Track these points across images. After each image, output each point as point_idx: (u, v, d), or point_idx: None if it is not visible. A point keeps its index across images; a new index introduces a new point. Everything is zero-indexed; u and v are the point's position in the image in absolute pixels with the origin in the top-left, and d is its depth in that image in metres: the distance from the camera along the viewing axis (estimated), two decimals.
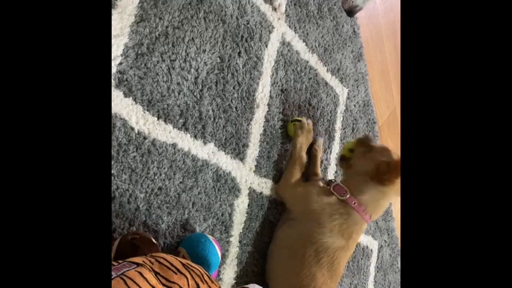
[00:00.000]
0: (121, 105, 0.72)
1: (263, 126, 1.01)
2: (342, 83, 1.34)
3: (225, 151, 0.90)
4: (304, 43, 1.18)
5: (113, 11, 0.71)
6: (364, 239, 1.42)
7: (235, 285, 0.91)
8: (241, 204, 0.94)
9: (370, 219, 0.98)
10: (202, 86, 0.86)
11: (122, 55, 0.72)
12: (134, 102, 0.74)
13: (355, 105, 1.41)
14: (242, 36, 0.96)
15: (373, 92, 1.57)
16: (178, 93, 0.81)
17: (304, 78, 1.17)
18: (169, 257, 0.55)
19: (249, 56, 0.97)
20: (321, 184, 1.03)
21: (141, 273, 0.48)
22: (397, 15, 1.81)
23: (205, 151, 0.86)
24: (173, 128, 0.80)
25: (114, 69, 0.71)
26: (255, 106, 0.99)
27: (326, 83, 1.26)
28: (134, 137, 0.73)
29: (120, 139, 0.71)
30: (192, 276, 0.54)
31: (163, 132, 0.78)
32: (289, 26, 1.12)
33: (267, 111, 1.02)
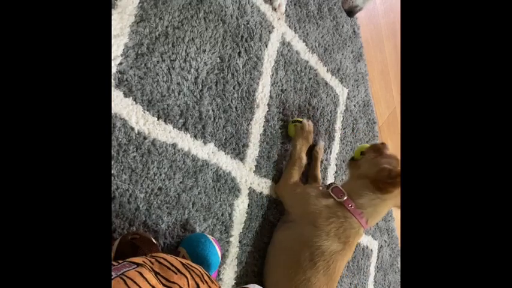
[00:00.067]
0: (121, 105, 0.72)
1: (263, 126, 1.01)
2: (342, 83, 1.34)
3: (225, 151, 0.90)
4: (304, 43, 1.18)
5: (113, 11, 0.71)
6: (364, 239, 1.42)
7: (235, 285, 0.91)
8: (241, 204, 0.94)
9: (366, 224, 0.96)
10: (202, 86, 0.86)
11: (122, 55, 0.72)
12: (134, 102, 0.74)
13: (355, 105, 1.42)
14: (242, 36, 0.96)
15: (373, 92, 1.57)
16: (178, 93, 0.81)
17: (304, 78, 1.17)
18: (170, 257, 0.55)
19: (249, 56, 0.97)
20: (320, 188, 1.02)
21: (141, 273, 0.48)
22: (397, 16, 1.82)
23: (205, 151, 0.86)
24: (173, 128, 0.80)
25: (114, 69, 0.71)
26: (255, 106, 0.99)
27: (326, 83, 1.26)
28: (134, 137, 0.73)
29: (120, 139, 0.71)
30: (192, 276, 0.54)
31: (163, 132, 0.78)
32: (289, 26, 1.12)
33: (267, 111, 1.02)
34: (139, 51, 0.75)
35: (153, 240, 0.72)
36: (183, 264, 0.55)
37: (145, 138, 0.75)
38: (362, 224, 0.95)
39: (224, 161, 0.90)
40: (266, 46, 1.03)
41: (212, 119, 0.88)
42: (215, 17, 0.90)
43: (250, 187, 0.96)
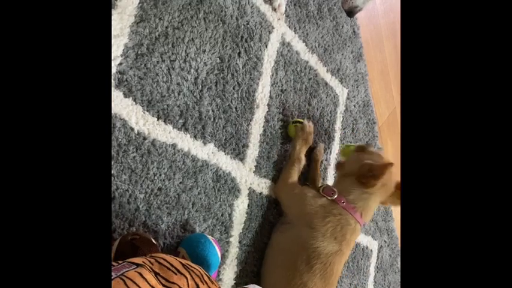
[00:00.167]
0: (121, 105, 0.72)
1: (263, 126, 1.01)
2: (341, 83, 1.34)
3: (224, 151, 0.90)
4: (304, 43, 1.18)
5: (113, 11, 0.71)
6: (364, 239, 1.42)
7: (235, 286, 0.91)
8: (241, 204, 0.94)
9: (361, 219, 0.98)
10: (202, 86, 0.86)
11: (121, 55, 0.72)
12: (134, 103, 0.74)
13: (355, 106, 1.42)
14: (242, 37, 0.96)
15: (373, 92, 1.57)
16: (178, 94, 0.81)
17: (304, 78, 1.17)
18: (169, 258, 0.55)
19: (248, 56, 0.97)
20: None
21: (141, 274, 0.48)
22: (397, 16, 1.82)
23: (205, 151, 0.86)
24: (173, 128, 0.80)
25: (114, 70, 0.71)
26: (255, 106, 0.99)
27: (326, 84, 1.26)
28: (134, 138, 0.73)
29: (120, 139, 0.71)
30: (191, 276, 0.54)
31: (163, 133, 0.78)
32: (289, 27, 1.12)
33: (267, 112, 1.02)
34: (139, 52, 0.75)
35: (153, 241, 0.72)
36: (182, 264, 0.55)
37: (145, 138, 0.75)
38: (357, 218, 0.96)
39: (224, 161, 0.90)
40: (266, 46, 1.03)
41: (212, 120, 0.88)
42: (215, 17, 0.90)
43: (250, 187, 0.96)
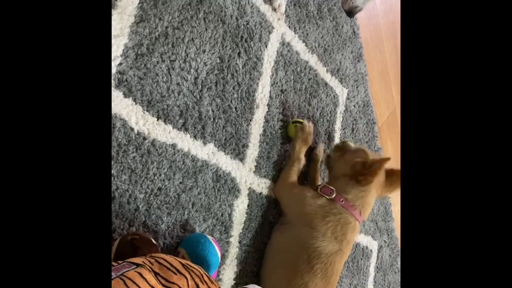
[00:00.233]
0: (121, 105, 0.72)
1: (263, 126, 1.01)
2: (341, 83, 1.34)
3: (224, 151, 0.90)
4: (304, 43, 1.18)
5: (113, 12, 0.71)
6: (364, 240, 1.42)
7: (235, 286, 0.91)
8: (241, 204, 0.94)
9: (361, 217, 0.98)
10: (202, 86, 0.86)
11: (121, 55, 0.72)
12: (134, 103, 0.74)
13: (354, 106, 1.42)
14: (242, 37, 0.96)
15: (372, 93, 1.57)
16: (178, 94, 0.81)
17: (304, 78, 1.17)
18: (169, 258, 0.55)
19: (248, 56, 0.97)
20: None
21: (140, 274, 0.48)
22: (397, 16, 1.82)
23: (205, 151, 0.86)
24: (173, 128, 0.80)
25: (114, 70, 0.71)
26: (255, 106, 0.99)
27: (326, 84, 1.26)
28: (134, 138, 0.73)
29: (120, 139, 0.71)
30: (191, 276, 0.54)
31: (163, 133, 0.78)
32: (289, 27, 1.12)
33: (267, 112, 1.02)
34: (139, 52, 0.75)
35: (153, 241, 0.72)
36: (182, 264, 0.55)
37: (145, 138, 0.75)
38: (356, 216, 0.97)
39: (224, 161, 0.90)
40: (266, 46, 1.03)
41: (212, 120, 0.88)
42: (215, 17, 0.90)
43: (250, 187, 0.96)
